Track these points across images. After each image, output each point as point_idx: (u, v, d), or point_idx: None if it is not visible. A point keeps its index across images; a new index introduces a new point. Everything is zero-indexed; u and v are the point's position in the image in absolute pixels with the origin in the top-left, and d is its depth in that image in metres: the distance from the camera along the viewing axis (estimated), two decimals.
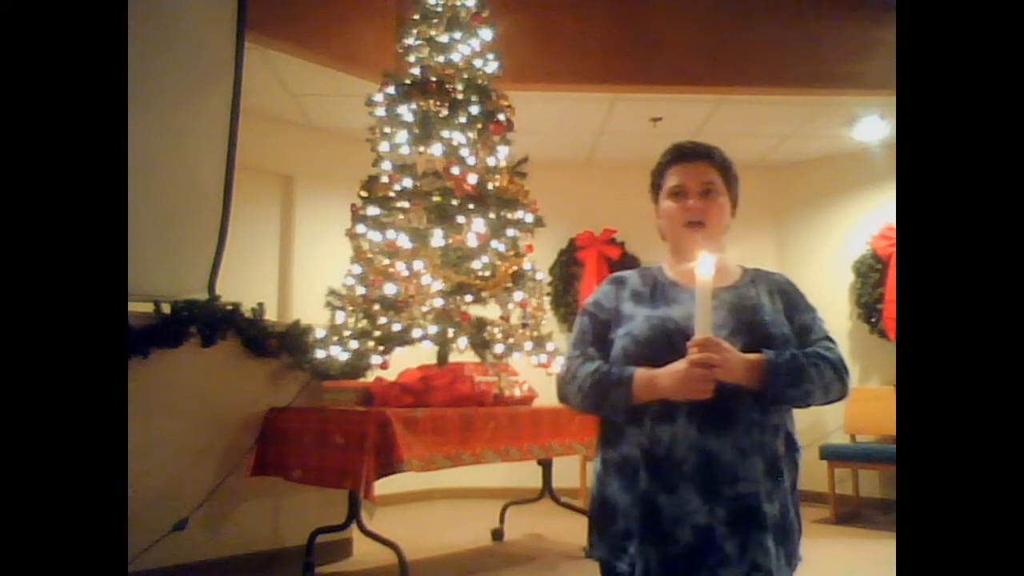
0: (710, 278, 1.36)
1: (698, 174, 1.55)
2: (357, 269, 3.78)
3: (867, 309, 5.58)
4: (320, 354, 3.61)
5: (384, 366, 3.69)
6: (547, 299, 5.92)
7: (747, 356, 1.39)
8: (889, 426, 5.15)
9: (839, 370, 1.46)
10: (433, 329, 3.69)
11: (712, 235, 1.51)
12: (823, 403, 1.48)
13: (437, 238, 3.66)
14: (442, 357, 3.92)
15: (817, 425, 5.67)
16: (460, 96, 3.90)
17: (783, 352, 1.42)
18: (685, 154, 1.58)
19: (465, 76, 3.99)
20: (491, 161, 3.96)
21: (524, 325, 3.95)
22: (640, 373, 1.42)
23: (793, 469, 1.47)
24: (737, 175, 1.62)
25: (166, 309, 3.34)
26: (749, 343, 1.42)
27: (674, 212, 1.55)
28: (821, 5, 4.88)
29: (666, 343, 1.42)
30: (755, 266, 1.63)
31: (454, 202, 3.73)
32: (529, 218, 3.99)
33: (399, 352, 3.75)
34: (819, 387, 1.43)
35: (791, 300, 1.55)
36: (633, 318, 1.50)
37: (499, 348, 3.83)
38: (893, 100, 4.70)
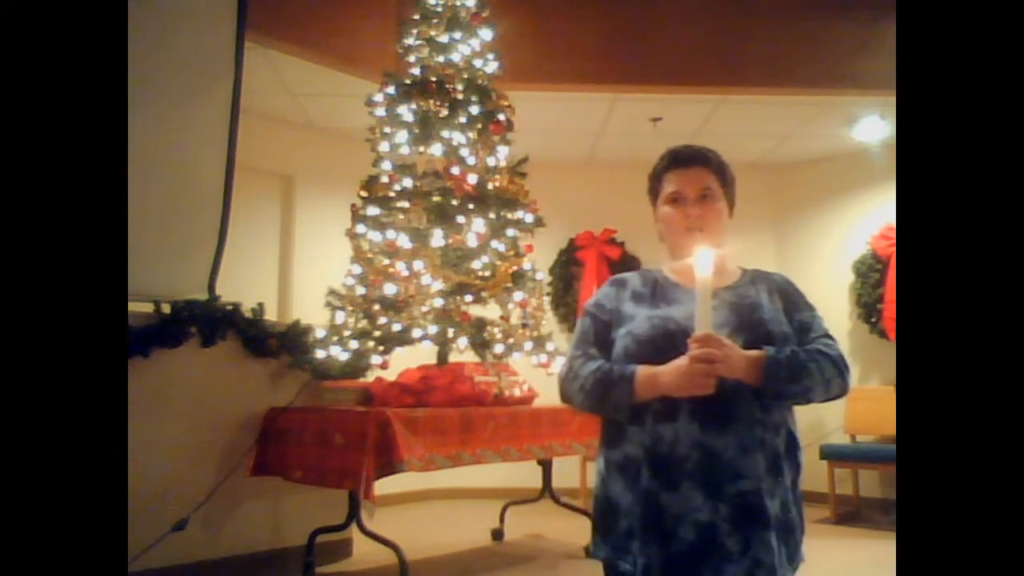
0: (709, 274, 1.37)
1: (695, 180, 1.56)
2: (357, 269, 3.78)
3: (867, 309, 5.58)
4: (320, 354, 3.61)
5: (384, 366, 3.69)
6: (547, 299, 5.92)
7: (748, 352, 1.40)
8: (889, 426, 5.16)
9: (839, 367, 1.47)
10: (433, 329, 3.69)
11: (711, 240, 1.51)
12: (824, 400, 1.48)
13: (437, 238, 3.66)
14: (442, 357, 3.92)
15: (817, 425, 5.67)
16: (460, 96, 3.90)
17: (783, 349, 1.43)
18: (681, 159, 1.59)
19: (465, 76, 3.99)
20: (491, 161, 3.96)
21: (524, 325, 3.95)
22: (642, 370, 1.43)
23: (794, 467, 1.47)
24: (734, 177, 1.63)
25: (166, 309, 3.34)
26: (750, 341, 1.43)
27: (673, 218, 1.56)
28: (821, 5, 4.88)
29: (668, 342, 1.43)
30: (754, 266, 1.64)
31: (454, 202, 3.73)
32: (529, 218, 3.99)
33: (399, 352, 3.75)
34: (819, 383, 1.44)
35: (790, 299, 1.56)
36: (634, 318, 1.51)
37: (499, 348, 3.83)
38: (893, 100, 4.70)
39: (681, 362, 1.37)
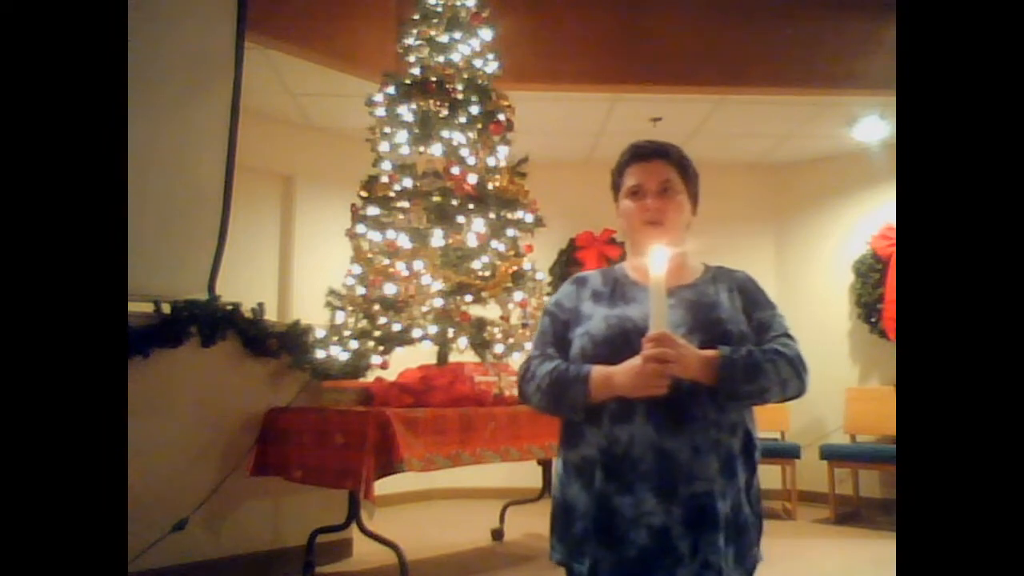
0: (663, 273, 1.36)
1: (655, 173, 1.55)
2: (357, 269, 3.78)
3: (867, 309, 5.58)
4: (320, 354, 3.61)
5: (384, 366, 3.69)
6: (547, 299, 5.91)
7: (702, 352, 1.39)
8: (889, 426, 5.16)
9: (796, 367, 1.45)
10: (433, 329, 3.69)
11: (670, 233, 1.51)
12: (780, 400, 1.47)
13: (437, 238, 3.66)
14: (442, 357, 3.92)
15: (817, 425, 5.67)
16: (460, 96, 3.90)
17: (739, 348, 1.42)
18: (642, 154, 1.58)
19: (465, 76, 3.99)
20: (491, 161, 3.95)
21: (524, 325, 3.95)
22: (597, 371, 1.42)
23: (750, 467, 1.46)
24: (696, 172, 1.62)
25: (166, 309, 3.34)
26: (706, 340, 1.42)
27: (632, 211, 1.56)
28: (821, 5, 4.88)
29: (624, 342, 1.42)
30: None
31: (454, 202, 3.73)
32: (529, 218, 3.99)
33: (399, 352, 3.75)
34: (776, 383, 1.43)
35: (751, 297, 1.55)
36: (592, 317, 1.51)
37: (499, 348, 3.83)
38: (893, 100, 4.70)
39: (635, 362, 1.36)
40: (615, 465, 1.40)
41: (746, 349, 1.42)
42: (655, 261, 1.36)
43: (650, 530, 1.36)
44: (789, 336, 1.50)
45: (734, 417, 1.43)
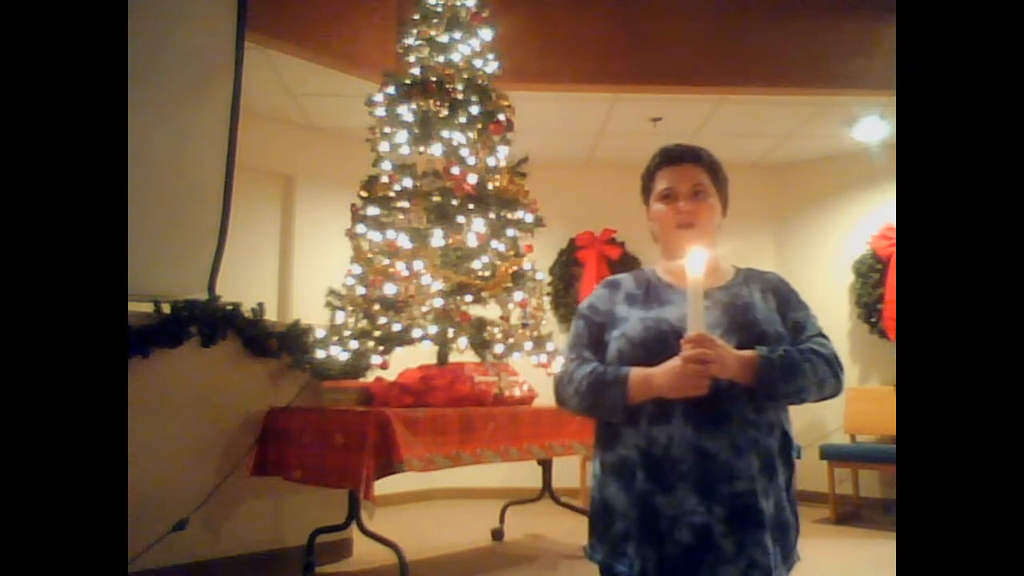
0: (701, 274, 1.37)
1: (687, 176, 1.56)
2: (357, 269, 3.78)
3: (867, 309, 5.58)
4: (320, 354, 3.61)
5: (384, 366, 3.69)
6: (547, 299, 5.92)
7: (741, 352, 1.40)
8: (889, 426, 5.16)
9: (833, 366, 1.47)
10: (433, 329, 3.68)
11: (703, 236, 1.52)
12: (817, 399, 1.48)
13: (437, 238, 3.66)
14: (442, 357, 3.92)
15: (817, 425, 5.67)
16: (460, 96, 3.90)
17: (776, 348, 1.43)
18: (674, 157, 1.59)
19: (465, 76, 3.99)
20: (491, 161, 3.95)
21: (524, 325, 3.95)
22: (635, 372, 1.43)
23: (788, 467, 1.47)
24: (726, 176, 1.63)
25: (166, 309, 3.34)
26: (743, 342, 1.43)
27: (665, 215, 1.56)
28: (821, 5, 4.88)
29: (660, 343, 1.43)
30: (748, 266, 1.64)
31: (454, 202, 3.73)
32: (529, 218, 3.99)
33: (399, 352, 3.75)
34: (813, 383, 1.44)
35: (784, 298, 1.56)
36: (627, 319, 1.51)
37: (499, 348, 3.83)
38: (893, 100, 4.70)
39: (674, 363, 1.37)
40: (655, 465, 1.40)
41: (783, 349, 1.43)
42: (693, 262, 1.36)
43: (692, 529, 1.36)
44: (823, 336, 1.51)
45: (771, 417, 1.44)
